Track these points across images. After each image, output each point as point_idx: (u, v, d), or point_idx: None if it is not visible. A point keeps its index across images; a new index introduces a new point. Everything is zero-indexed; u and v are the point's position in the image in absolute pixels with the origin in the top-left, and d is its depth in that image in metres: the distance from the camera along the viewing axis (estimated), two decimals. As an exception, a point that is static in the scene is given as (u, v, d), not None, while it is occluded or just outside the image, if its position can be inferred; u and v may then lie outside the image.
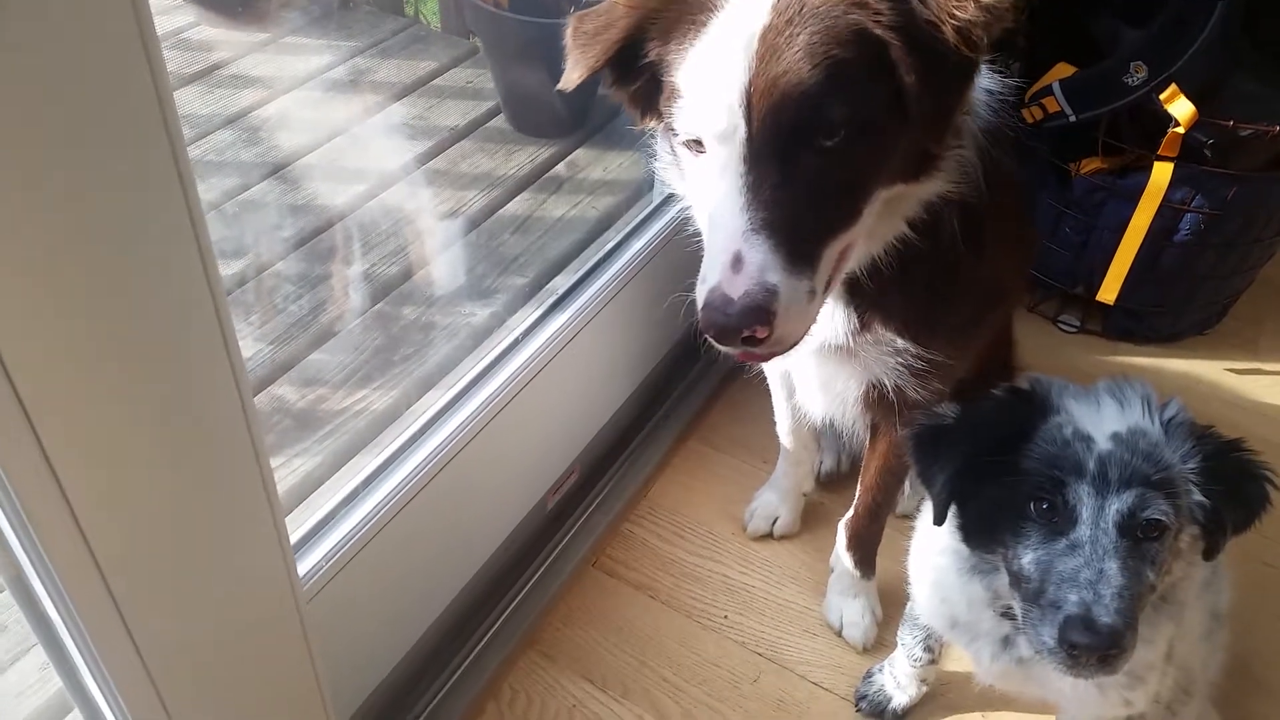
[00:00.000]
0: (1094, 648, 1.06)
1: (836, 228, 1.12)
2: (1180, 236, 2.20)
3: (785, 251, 1.06)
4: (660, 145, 1.37)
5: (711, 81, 1.08)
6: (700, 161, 1.14)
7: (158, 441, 0.89)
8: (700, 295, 1.09)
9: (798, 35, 1.06)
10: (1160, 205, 2.14)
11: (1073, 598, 1.07)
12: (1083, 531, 1.09)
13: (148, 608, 0.93)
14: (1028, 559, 1.13)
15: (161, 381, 0.88)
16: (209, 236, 0.86)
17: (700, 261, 1.13)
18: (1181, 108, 2.00)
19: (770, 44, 1.06)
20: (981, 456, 1.15)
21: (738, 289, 1.05)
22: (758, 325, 1.06)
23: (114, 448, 0.85)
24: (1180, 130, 2.03)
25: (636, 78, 1.21)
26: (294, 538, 1.37)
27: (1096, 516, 1.09)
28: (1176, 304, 2.38)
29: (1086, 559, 1.08)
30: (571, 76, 1.21)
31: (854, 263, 1.26)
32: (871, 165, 1.13)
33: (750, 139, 1.07)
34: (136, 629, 0.92)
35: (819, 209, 1.09)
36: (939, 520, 1.20)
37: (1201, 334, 2.49)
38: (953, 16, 1.05)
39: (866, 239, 1.23)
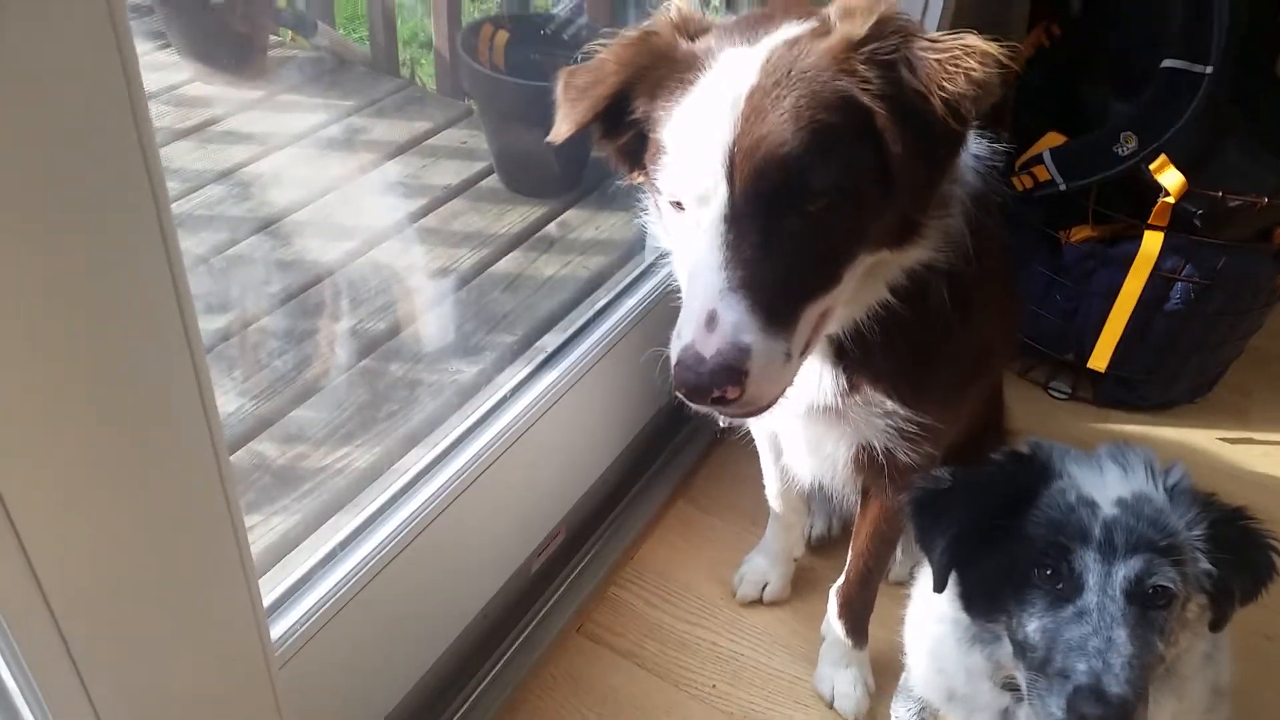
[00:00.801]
0: (1105, 719, 1.02)
1: (816, 291, 1.11)
2: (1171, 305, 2.21)
3: (762, 312, 1.05)
4: (648, 199, 1.37)
5: (695, 140, 1.08)
6: (682, 218, 1.13)
7: (127, 501, 0.86)
8: (674, 351, 1.08)
9: (784, 98, 1.06)
10: (1151, 274, 2.14)
11: (1081, 667, 1.04)
12: (1090, 598, 1.06)
13: (110, 673, 0.89)
14: (1033, 626, 1.10)
15: (133, 439, 0.85)
16: (189, 292, 0.84)
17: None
18: (1171, 178, 2.02)
19: (756, 105, 1.06)
20: (983, 522, 1.12)
21: (710, 348, 1.04)
22: (729, 385, 1.04)
23: (79, 505, 0.82)
24: (1170, 200, 2.05)
25: (624, 132, 1.21)
26: (268, 600, 1.33)
27: (1104, 583, 1.06)
28: (1167, 372, 2.37)
29: (1095, 627, 1.05)
30: (561, 129, 1.21)
31: (836, 326, 1.26)
32: (853, 231, 1.12)
33: (732, 199, 1.06)
34: (98, 697, 0.88)
35: (798, 271, 1.08)
36: (939, 587, 1.17)
37: (1192, 402, 2.48)
38: (942, 89, 1.05)
39: (849, 304, 1.22)
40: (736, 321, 1.04)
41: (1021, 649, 1.11)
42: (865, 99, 1.05)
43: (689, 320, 1.06)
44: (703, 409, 1.10)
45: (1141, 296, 2.17)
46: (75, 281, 0.76)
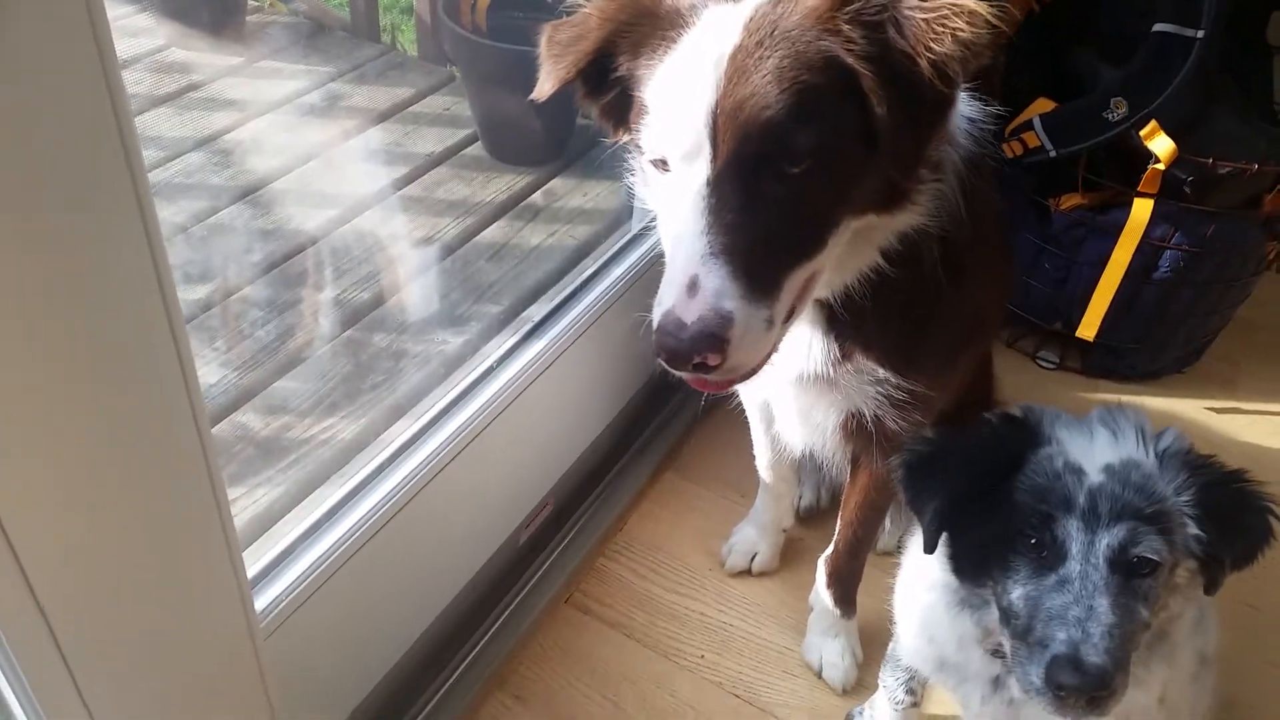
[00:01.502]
0: (1082, 689, 1.02)
1: (799, 256, 1.10)
2: (1160, 274, 2.20)
3: (744, 278, 1.03)
4: (634, 159, 1.34)
5: (678, 100, 1.06)
6: (665, 180, 1.12)
7: (108, 476, 0.85)
8: (655, 317, 1.06)
9: (767, 58, 1.03)
10: (1140, 242, 2.13)
11: (1060, 636, 1.04)
12: (1072, 567, 1.05)
13: (91, 646, 0.87)
14: (1016, 594, 1.09)
15: (113, 413, 0.83)
16: (168, 264, 0.82)
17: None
18: (1161, 144, 2.00)
19: (739, 65, 1.04)
20: (972, 486, 1.12)
21: (691, 314, 1.02)
22: (709, 352, 1.03)
23: (58, 482, 0.80)
24: (1160, 167, 2.03)
25: (608, 90, 1.18)
26: (253, 571, 1.31)
27: (1086, 552, 1.05)
28: (1156, 342, 2.37)
29: (1076, 595, 1.04)
30: (544, 86, 1.19)
31: (825, 292, 1.24)
32: (837, 195, 1.10)
33: (714, 161, 1.04)
34: (79, 671, 0.86)
35: (781, 236, 1.07)
36: (929, 549, 1.16)
37: (1180, 372, 2.48)
38: (929, 50, 1.03)
39: (837, 269, 1.21)
40: (718, 288, 1.02)
41: (1006, 616, 1.11)
42: (850, 60, 1.03)
43: (670, 285, 1.05)
44: (684, 375, 1.09)
45: (1130, 265, 2.16)
46: (54, 262, 0.74)
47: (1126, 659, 1.05)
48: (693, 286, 1.03)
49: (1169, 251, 2.16)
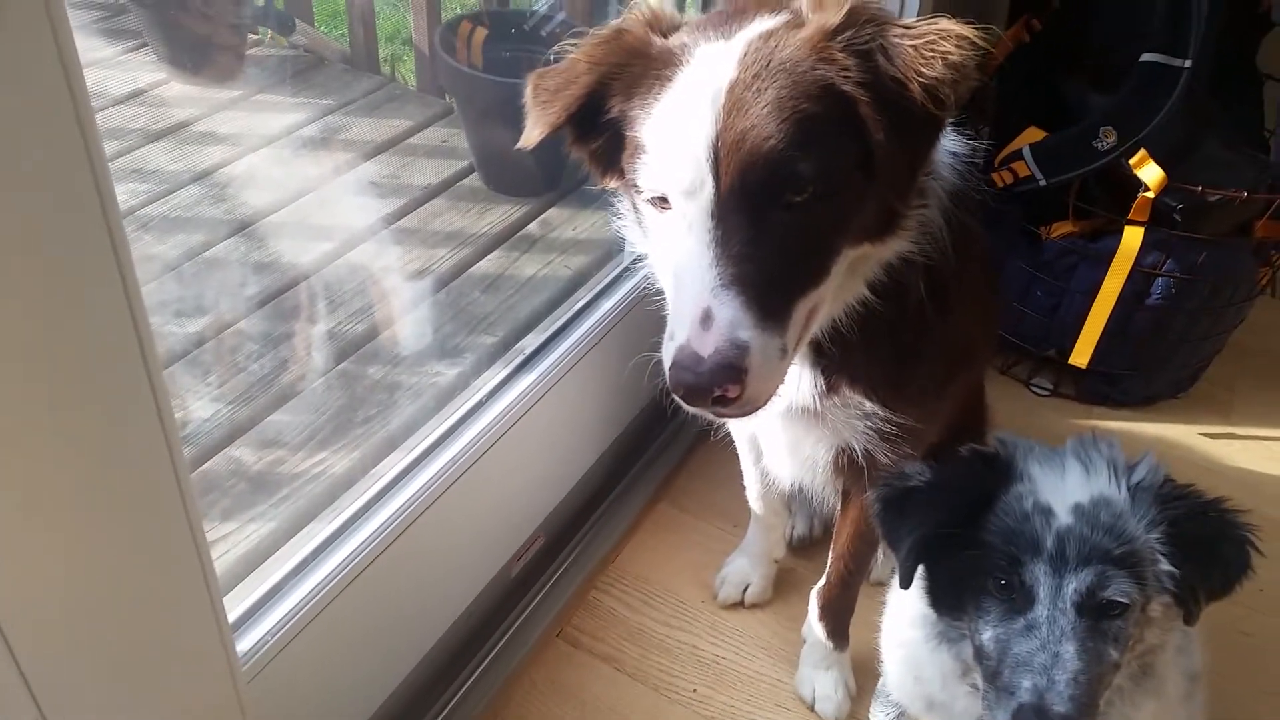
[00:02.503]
0: None
1: (806, 285, 1.10)
2: (1152, 300, 2.20)
3: (757, 308, 1.04)
4: (623, 204, 1.35)
5: (678, 137, 1.07)
6: (665, 218, 1.12)
7: (84, 520, 0.84)
8: (668, 353, 1.06)
9: (765, 90, 1.05)
10: (1131, 269, 2.14)
11: (1026, 684, 1.04)
12: (1040, 612, 1.05)
13: (65, 688, 0.87)
14: (987, 635, 1.10)
15: (89, 457, 0.83)
16: (143, 304, 0.82)
17: (664, 322, 1.10)
18: (1151, 172, 2.01)
19: (737, 99, 1.05)
20: (946, 523, 1.11)
21: (708, 346, 1.02)
22: (729, 384, 1.03)
23: (34, 527, 0.80)
24: (1150, 195, 2.04)
25: (598, 135, 1.19)
26: (240, 610, 1.31)
27: (1054, 596, 1.05)
28: (1149, 368, 2.37)
29: (1043, 641, 1.04)
30: (532, 135, 1.19)
31: (822, 320, 1.24)
32: (839, 222, 1.11)
33: (718, 194, 1.05)
34: (52, 713, 0.86)
35: (789, 265, 1.07)
36: (905, 584, 1.17)
37: (1175, 398, 2.47)
38: (919, 74, 1.05)
39: (830, 301, 1.21)
40: (732, 318, 1.02)
41: (979, 655, 1.11)
42: (847, 87, 1.05)
43: (682, 320, 1.05)
44: (701, 411, 1.09)
45: (1122, 292, 2.16)
46: (27, 300, 0.74)
47: (1094, 703, 1.04)
48: (706, 319, 1.03)
49: (1161, 278, 2.17)
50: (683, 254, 1.07)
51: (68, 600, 0.86)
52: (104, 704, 0.93)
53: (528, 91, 1.20)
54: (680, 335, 1.04)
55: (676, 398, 1.07)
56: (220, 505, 1.83)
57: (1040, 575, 1.05)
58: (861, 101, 1.04)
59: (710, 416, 1.13)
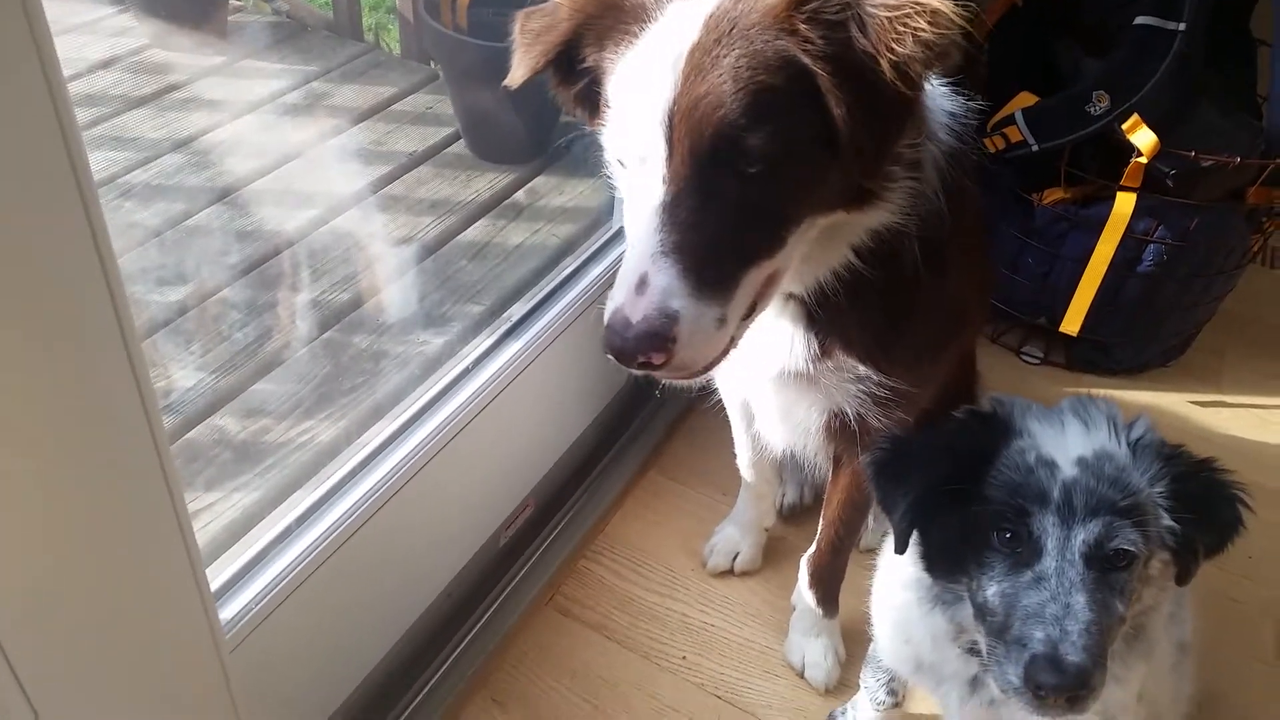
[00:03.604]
0: (1061, 688, 1.01)
1: (756, 255, 1.09)
2: (1143, 267, 2.19)
3: (693, 276, 1.03)
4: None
5: (636, 99, 1.05)
6: (626, 176, 1.11)
7: (64, 491, 0.83)
8: (605, 314, 1.06)
9: (724, 57, 1.02)
10: (1123, 236, 2.12)
11: (1039, 635, 1.02)
12: (1048, 563, 1.04)
13: (46, 659, 0.86)
14: (992, 591, 1.08)
15: (70, 428, 0.81)
16: (119, 274, 0.80)
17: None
18: (1144, 137, 1.99)
19: (696, 63, 1.03)
20: (943, 483, 1.10)
21: (638, 312, 1.02)
22: (653, 352, 1.03)
23: (10, 490, 0.78)
24: (1143, 160, 2.02)
25: (578, 80, 1.17)
26: (223, 579, 1.30)
27: (1063, 547, 1.04)
28: (1140, 336, 2.36)
29: (1053, 593, 1.03)
30: (516, 74, 1.18)
31: (798, 288, 1.23)
32: (796, 195, 1.09)
33: (670, 159, 1.03)
34: (31, 684, 0.85)
35: (736, 235, 1.06)
36: (900, 549, 1.15)
37: (1165, 366, 2.47)
38: (891, 50, 1.01)
39: (807, 265, 1.20)
40: (665, 286, 1.02)
41: (981, 612, 1.10)
42: (806, 60, 1.01)
43: (621, 282, 1.04)
44: (633, 371, 1.08)
45: (1114, 259, 2.15)
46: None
47: (1104, 655, 1.03)
48: (641, 284, 1.02)
49: (1152, 245, 2.16)
50: (633, 217, 1.07)
51: (46, 571, 0.84)
52: (85, 674, 0.92)
53: (515, 28, 1.19)
54: (616, 298, 1.04)
55: (609, 356, 1.06)
56: (204, 475, 1.81)
57: (1049, 526, 1.04)
58: (822, 76, 1.01)
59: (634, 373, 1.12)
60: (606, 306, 1.06)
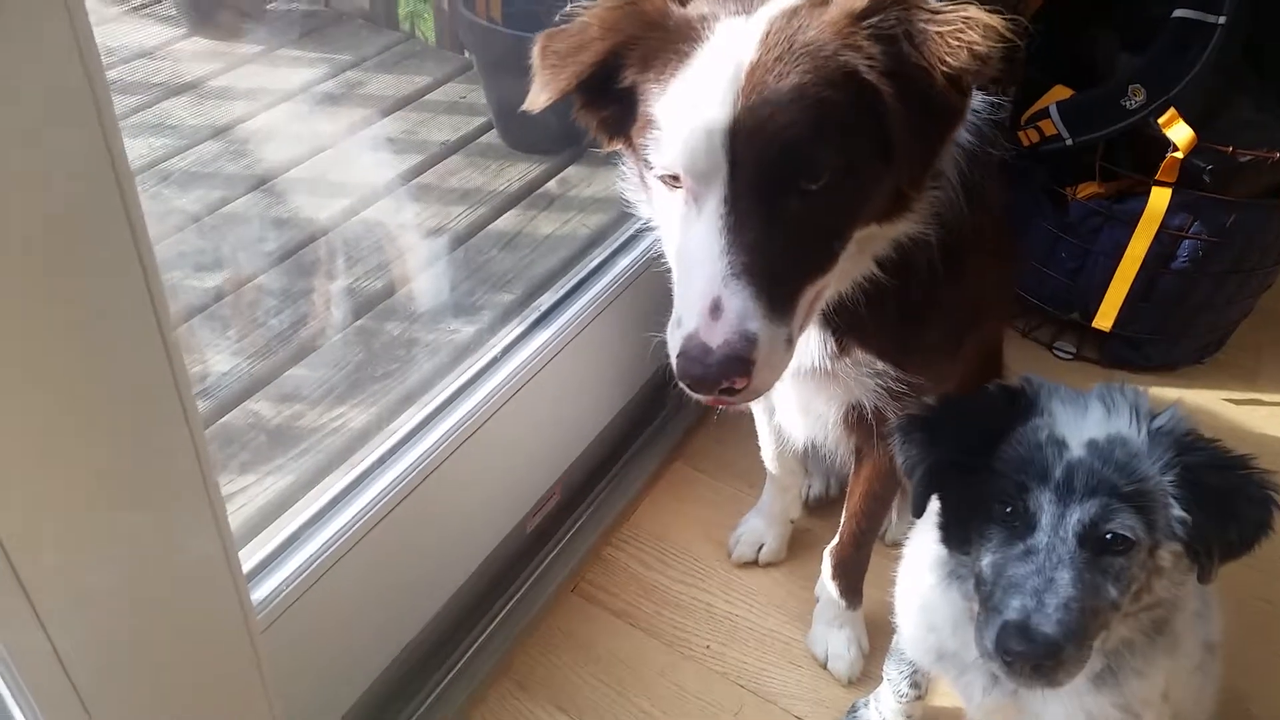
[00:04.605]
0: (1028, 656, 1.03)
1: (814, 272, 1.09)
2: (1178, 264, 2.16)
3: (765, 298, 1.02)
4: (628, 165, 1.33)
5: (694, 118, 1.03)
6: (675, 196, 1.09)
7: (97, 468, 0.85)
8: (675, 341, 1.04)
9: (787, 74, 1.02)
10: (1158, 231, 2.10)
11: (1015, 603, 1.04)
12: (1040, 538, 1.06)
13: (84, 638, 0.88)
14: (986, 560, 1.10)
15: (104, 409, 0.84)
16: (155, 261, 0.82)
17: (669, 292, 1.09)
18: (1180, 132, 1.97)
19: (757, 81, 1.02)
20: (961, 452, 1.12)
21: (717, 337, 1.01)
22: (737, 377, 1.02)
23: (48, 473, 0.81)
24: (1179, 155, 2.00)
25: (608, 103, 1.16)
26: (256, 560, 1.33)
27: (1056, 524, 1.05)
28: (1174, 332, 2.33)
29: (1039, 566, 1.04)
30: (538, 99, 1.16)
31: (823, 303, 1.23)
32: (853, 209, 1.10)
33: (733, 179, 1.02)
34: (72, 663, 0.87)
35: (799, 253, 1.06)
36: (917, 512, 1.18)
37: (1199, 363, 2.44)
38: (944, 63, 1.02)
39: (836, 280, 1.20)
40: (742, 309, 1.01)
41: (978, 583, 1.12)
42: (870, 76, 1.02)
43: (691, 309, 1.03)
44: (706, 398, 1.07)
45: (1148, 255, 2.13)
46: (41, 256, 0.74)
47: (1084, 634, 1.04)
48: (715, 309, 1.01)
49: (1187, 241, 2.13)
50: (693, 239, 1.05)
51: (83, 550, 0.87)
52: (121, 652, 0.95)
53: (535, 52, 1.17)
54: (689, 324, 1.02)
55: (683, 386, 1.05)
56: (240, 458, 1.84)
57: (1044, 503, 1.05)
58: (885, 92, 1.01)
59: (711, 401, 1.11)
60: (672, 334, 1.05)
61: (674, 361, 1.05)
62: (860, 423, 1.40)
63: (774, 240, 1.03)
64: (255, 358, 2.04)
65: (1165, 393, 2.33)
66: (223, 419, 1.92)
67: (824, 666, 1.76)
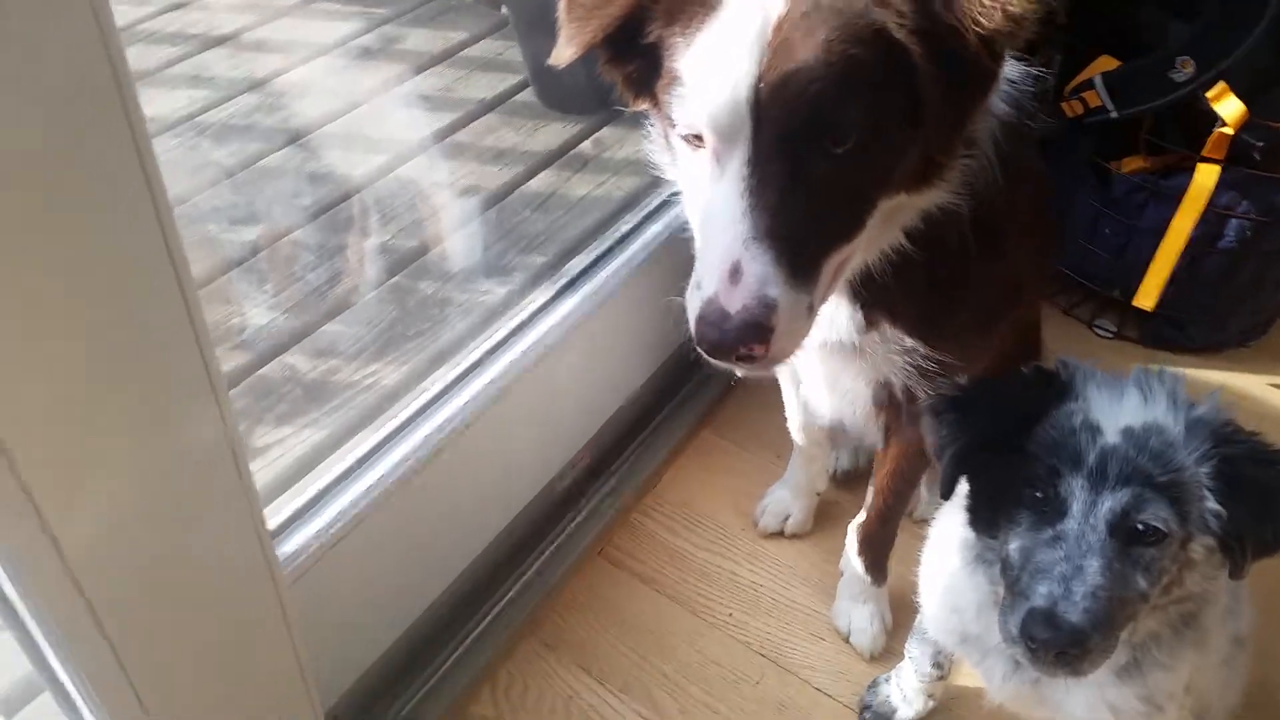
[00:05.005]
0: (1051, 644, 1.01)
1: (839, 239, 1.07)
2: (1225, 243, 2.11)
3: (787, 263, 0.99)
4: (654, 126, 1.31)
5: (719, 73, 1.01)
6: (698, 156, 1.07)
7: (122, 422, 0.86)
8: (693, 305, 1.02)
9: (816, 30, 0.99)
10: (1204, 210, 2.05)
11: (1041, 589, 1.03)
12: (1070, 525, 1.04)
13: (115, 595, 0.90)
14: (1014, 545, 1.09)
15: (126, 367, 0.84)
16: (173, 219, 0.81)
17: (691, 259, 1.07)
18: (1230, 107, 1.92)
19: (785, 37, 0.99)
20: (992, 434, 1.10)
21: (735, 302, 0.98)
22: (755, 343, 1.00)
23: (72, 425, 0.82)
24: (1228, 131, 1.95)
25: (633, 59, 1.13)
26: (285, 515, 1.34)
27: (1087, 511, 1.03)
28: (1219, 313, 2.29)
29: (1067, 553, 1.03)
30: (564, 53, 1.13)
31: (847, 273, 1.21)
32: (880, 174, 1.07)
33: (757, 138, 1.00)
34: (106, 618, 0.89)
35: (824, 218, 1.03)
36: (945, 494, 1.16)
37: (1244, 346, 2.38)
38: (977, 24, 0.98)
39: (862, 250, 1.17)
40: (762, 274, 0.98)
41: (1004, 567, 1.11)
42: (900, 34, 0.99)
43: (710, 271, 1.00)
44: (724, 365, 1.06)
45: (1194, 233, 2.08)
46: (62, 217, 0.75)
47: (1111, 624, 1.03)
48: (735, 273, 0.99)
49: (1235, 220, 2.08)
50: (714, 199, 1.03)
51: (111, 505, 0.88)
52: (151, 604, 0.96)
53: (561, 5, 1.14)
54: (708, 287, 1.00)
55: (700, 351, 1.04)
56: (276, 410, 1.87)
57: (1076, 489, 1.03)
58: (915, 51, 0.98)
59: (734, 370, 1.10)
60: (691, 297, 1.03)
61: (692, 326, 1.03)
62: (889, 401, 1.38)
63: (798, 203, 1.00)
64: (292, 312, 2.06)
65: (1208, 376, 2.29)
66: (261, 370, 1.95)
67: (847, 640, 1.76)
